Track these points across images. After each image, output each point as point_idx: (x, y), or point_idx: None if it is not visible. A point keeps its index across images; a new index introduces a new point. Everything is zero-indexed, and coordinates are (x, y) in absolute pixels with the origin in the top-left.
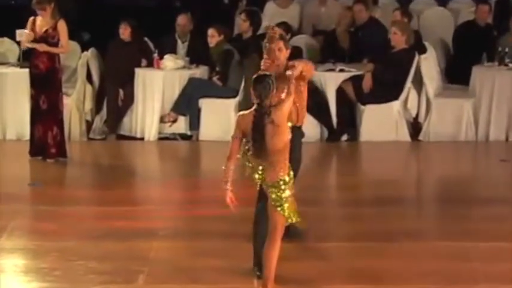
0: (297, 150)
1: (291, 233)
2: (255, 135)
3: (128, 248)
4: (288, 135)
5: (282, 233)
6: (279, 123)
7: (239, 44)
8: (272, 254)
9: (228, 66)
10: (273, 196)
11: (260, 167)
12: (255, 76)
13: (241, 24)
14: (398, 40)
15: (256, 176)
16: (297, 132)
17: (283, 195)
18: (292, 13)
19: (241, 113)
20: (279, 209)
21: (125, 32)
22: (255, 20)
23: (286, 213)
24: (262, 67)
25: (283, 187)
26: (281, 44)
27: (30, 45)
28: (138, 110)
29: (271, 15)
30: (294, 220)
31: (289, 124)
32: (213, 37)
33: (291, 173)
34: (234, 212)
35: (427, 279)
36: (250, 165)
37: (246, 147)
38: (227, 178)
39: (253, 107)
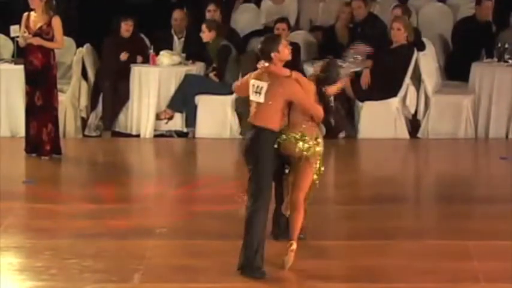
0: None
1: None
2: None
3: (123, 246)
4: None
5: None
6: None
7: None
8: (299, 217)
9: (225, 62)
10: (306, 145)
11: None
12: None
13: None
14: (400, 36)
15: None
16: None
17: (317, 149)
18: (288, 9)
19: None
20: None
21: (128, 28)
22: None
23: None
24: (260, 69)
25: (318, 142)
26: None
27: (27, 41)
28: (133, 106)
29: (267, 12)
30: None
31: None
32: (203, 33)
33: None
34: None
35: (426, 277)
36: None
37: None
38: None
39: None
